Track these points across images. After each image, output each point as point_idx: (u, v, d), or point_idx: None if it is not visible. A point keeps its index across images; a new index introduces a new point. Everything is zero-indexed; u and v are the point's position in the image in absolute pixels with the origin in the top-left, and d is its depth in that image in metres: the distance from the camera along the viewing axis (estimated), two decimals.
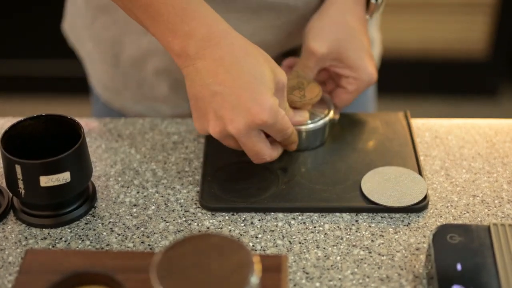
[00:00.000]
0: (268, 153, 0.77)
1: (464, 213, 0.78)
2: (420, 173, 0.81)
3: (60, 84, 2.24)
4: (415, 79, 2.23)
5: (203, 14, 0.73)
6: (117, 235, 0.75)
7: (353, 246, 0.74)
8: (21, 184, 0.73)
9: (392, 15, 2.06)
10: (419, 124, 0.90)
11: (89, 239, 0.75)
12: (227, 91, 0.72)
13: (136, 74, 0.99)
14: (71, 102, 2.21)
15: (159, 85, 0.99)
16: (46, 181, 0.73)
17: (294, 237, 0.75)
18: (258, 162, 0.78)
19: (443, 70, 2.21)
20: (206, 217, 0.77)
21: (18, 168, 0.72)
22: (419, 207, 0.77)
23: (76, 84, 1.78)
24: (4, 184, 0.79)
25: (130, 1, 0.74)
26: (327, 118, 0.84)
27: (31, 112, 0.81)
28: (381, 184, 0.79)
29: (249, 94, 0.71)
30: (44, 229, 0.76)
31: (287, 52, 0.95)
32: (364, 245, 0.74)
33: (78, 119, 0.77)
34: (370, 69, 0.84)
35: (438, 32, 2.14)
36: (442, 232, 0.69)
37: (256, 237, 0.75)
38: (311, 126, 0.83)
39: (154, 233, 0.76)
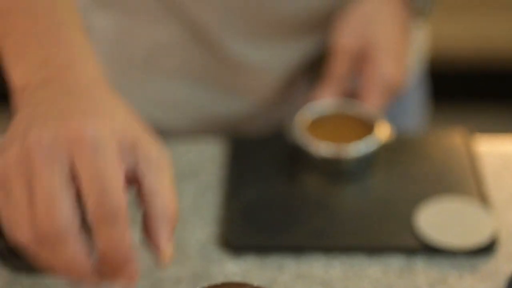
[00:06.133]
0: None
1: None
2: (486, 205, 0.78)
3: None
4: (470, 86, 2.19)
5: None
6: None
7: None
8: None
9: (442, 13, 2.05)
10: (482, 143, 0.86)
11: None
12: None
13: (145, 76, 0.96)
14: None
15: (174, 88, 0.96)
16: None
17: (335, 284, 0.71)
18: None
19: (502, 76, 2.18)
20: (228, 259, 0.74)
21: None
22: (487, 248, 0.73)
23: None
24: None
25: None
26: (376, 142, 0.81)
27: None
28: (439, 219, 0.75)
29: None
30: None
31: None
32: None
33: None
34: (388, 68, 0.85)
35: (495, 31, 2.12)
36: None
37: (291, 285, 0.71)
38: (358, 151, 0.80)
39: (165, 280, 0.72)
